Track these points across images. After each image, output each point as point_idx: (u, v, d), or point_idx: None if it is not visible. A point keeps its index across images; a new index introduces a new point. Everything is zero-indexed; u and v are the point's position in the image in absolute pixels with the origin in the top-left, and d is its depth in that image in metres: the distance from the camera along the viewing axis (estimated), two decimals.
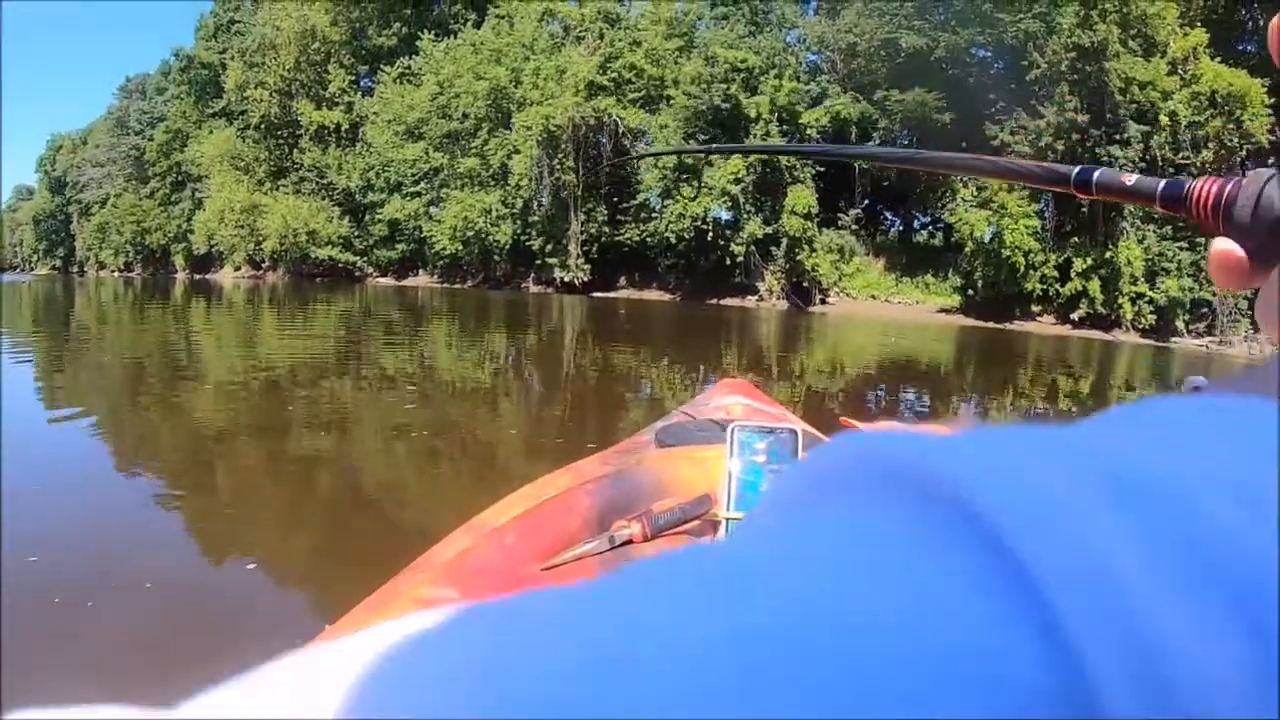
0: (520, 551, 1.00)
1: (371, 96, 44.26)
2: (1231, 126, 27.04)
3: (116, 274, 66.36)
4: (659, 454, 1.38)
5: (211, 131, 51.92)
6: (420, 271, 41.40)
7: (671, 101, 32.89)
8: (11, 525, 3.12)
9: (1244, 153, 28.14)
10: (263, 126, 47.31)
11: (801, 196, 30.49)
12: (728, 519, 1.10)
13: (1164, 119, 27.57)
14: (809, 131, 31.60)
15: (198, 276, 53.90)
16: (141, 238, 61.35)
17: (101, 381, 8.16)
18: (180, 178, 56.55)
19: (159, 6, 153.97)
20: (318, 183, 44.85)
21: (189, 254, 55.69)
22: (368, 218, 42.78)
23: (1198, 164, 27.61)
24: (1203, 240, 27.95)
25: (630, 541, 1.03)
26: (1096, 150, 27.88)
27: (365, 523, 3.37)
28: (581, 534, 1.05)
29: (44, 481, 3.96)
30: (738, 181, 30.68)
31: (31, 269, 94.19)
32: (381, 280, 42.25)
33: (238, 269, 49.88)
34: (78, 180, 74.37)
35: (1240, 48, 30.05)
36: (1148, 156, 27.99)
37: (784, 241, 30.81)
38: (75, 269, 78.89)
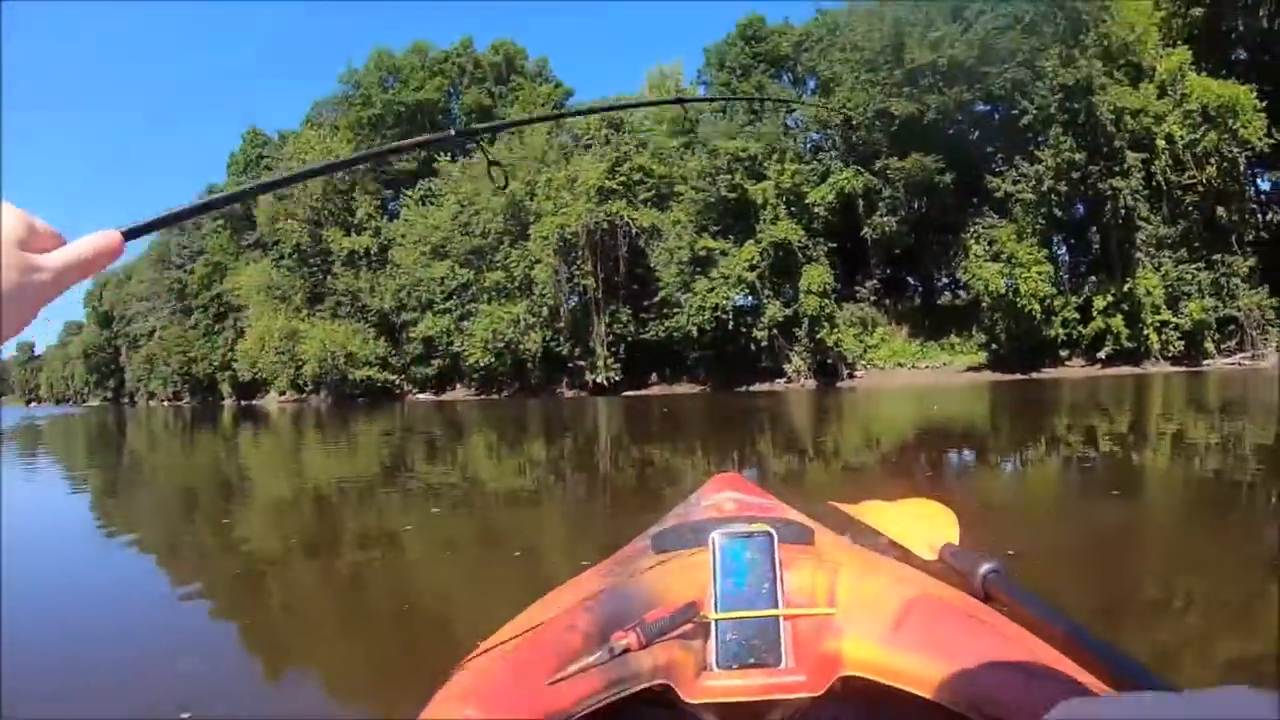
0: (530, 669, 1.09)
1: (397, 219, 46.01)
2: (1227, 136, 27.21)
3: (166, 403, 68.24)
4: (651, 563, 1.48)
5: (248, 263, 54.23)
6: (458, 385, 42.33)
7: (681, 197, 33.82)
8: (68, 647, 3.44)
9: (1243, 161, 28.09)
10: (295, 255, 49.27)
11: (816, 275, 31.12)
12: (715, 619, 1.23)
13: (1160, 142, 27.83)
14: (817, 209, 32.21)
15: (244, 403, 55.46)
16: (188, 367, 63.58)
17: (154, 506, 8.60)
18: (222, 308, 58.89)
19: (193, 146, 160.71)
20: (352, 306, 46.37)
21: (235, 381, 57.43)
22: (402, 336, 44.10)
23: (1203, 181, 27.74)
24: (1218, 257, 27.91)
25: (628, 650, 1.13)
26: (1099, 185, 28.16)
27: (408, 641, 3.42)
28: (584, 648, 1.13)
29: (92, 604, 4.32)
30: (753, 268, 31.35)
31: (84, 401, 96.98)
32: (420, 396, 43.06)
33: (282, 394, 51.36)
34: (124, 314, 76.78)
35: (1233, 56, 30.37)
36: (1152, 184, 28.19)
37: (805, 321, 31.27)
38: (126, 399, 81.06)
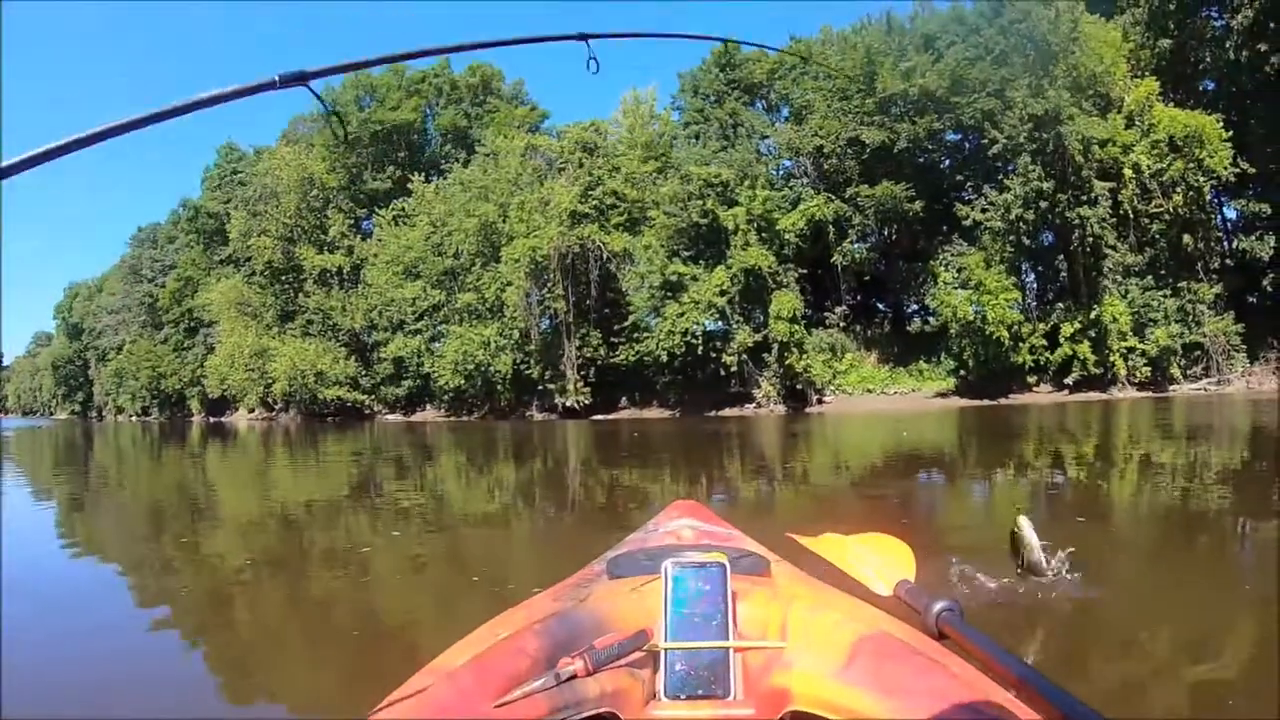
0: (475, 692, 1.09)
1: (370, 239, 45.61)
2: (1194, 166, 27.57)
3: (134, 418, 67.23)
4: (604, 589, 1.49)
5: (219, 279, 53.44)
6: (427, 406, 41.94)
7: (653, 222, 33.81)
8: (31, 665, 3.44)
9: (1209, 189, 28.49)
10: (268, 272, 48.69)
11: (786, 301, 31.19)
12: (665, 649, 1.23)
13: (1128, 172, 28.17)
14: (788, 236, 32.39)
15: (213, 419, 54.90)
16: (157, 382, 62.64)
17: (120, 524, 8.57)
18: (192, 324, 58.17)
19: (169, 159, 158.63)
20: (324, 324, 45.89)
21: (204, 398, 56.77)
22: (373, 356, 43.71)
23: (1170, 209, 28.14)
24: (1184, 284, 28.33)
25: (574, 677, 1.12)
26: (1067, 214, 28.42)
27: (356, 664, 3.41)
28: (531, 672, 1.13)
29: (59, 618, 4.29)
30: (723, 293, 31.38)
31: (51, 413, 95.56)
32: (390, 417, 42.67)
33: (251, 411, 50.80)
34: (94, 327, 75.68)
35: (1200, 86, 30.88)
36: (1119, 212, 28.55)
37: (774, 347, 31.26)
38: (94, 413, 79.79)
